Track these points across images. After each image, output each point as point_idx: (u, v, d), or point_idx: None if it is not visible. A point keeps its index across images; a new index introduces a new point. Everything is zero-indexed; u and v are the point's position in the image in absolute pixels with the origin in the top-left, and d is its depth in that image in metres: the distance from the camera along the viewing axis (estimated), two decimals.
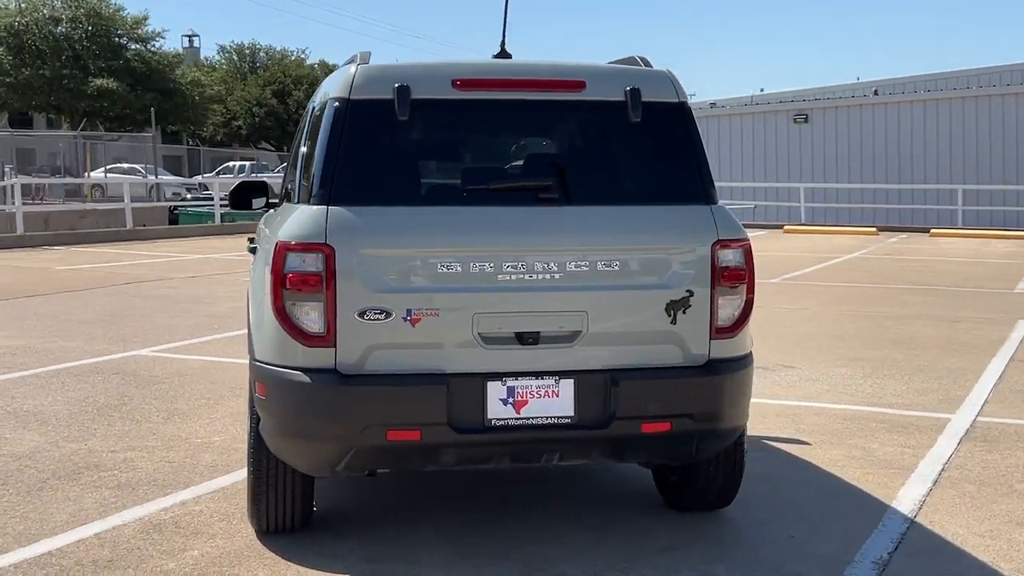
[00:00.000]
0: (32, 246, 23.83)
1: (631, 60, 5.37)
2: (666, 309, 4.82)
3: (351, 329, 4.61)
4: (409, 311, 4.62)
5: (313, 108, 5.53)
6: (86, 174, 41.85)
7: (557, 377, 4.75)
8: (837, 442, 7.08)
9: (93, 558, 5.02)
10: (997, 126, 32.65)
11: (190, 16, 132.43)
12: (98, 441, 7.07)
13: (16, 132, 46.77)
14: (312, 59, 75.18)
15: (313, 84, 60.99)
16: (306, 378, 4.63)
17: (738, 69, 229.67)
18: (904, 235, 29.34)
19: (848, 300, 14.77)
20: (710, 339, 4.90)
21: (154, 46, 56.96)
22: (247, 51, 72.21)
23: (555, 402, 4.75)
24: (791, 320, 12.73)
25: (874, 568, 4.93)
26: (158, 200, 37.55)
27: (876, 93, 37.11)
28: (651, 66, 5.27)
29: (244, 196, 6.42)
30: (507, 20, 5.68)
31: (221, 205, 30.98)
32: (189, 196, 40.98)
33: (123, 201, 29.20)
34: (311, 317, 4.63)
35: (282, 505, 5.14)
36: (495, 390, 4.70)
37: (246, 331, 5.65)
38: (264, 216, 6.35)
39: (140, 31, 55.85)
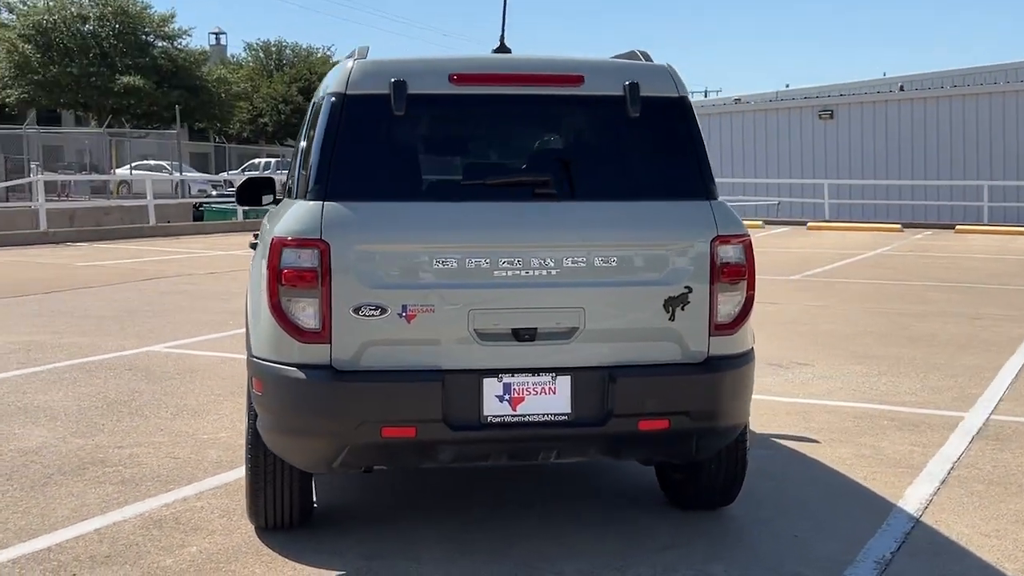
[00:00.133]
0: (56, 242, 23.95)
1: (631, 54, 5.32)
2: (664, 306, 4.77)
3: (346, 325, 4.59)
4: (404, 307, 4.60)
5: (314, 104, 5.51)
6: (112, 171, 42.08)
7: (554, 374, 4.71)
8: (847, 440, 7.01)
9: (91, 554, 5.02)
10: None
11: (217, 14, 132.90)
12: (105, 437, 7.09)
13: (43, 129, 47.00)
14: (338, 56, 75.34)
15: None
16: (301, 374, 4.61)
17: (764, 65, 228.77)
18: (929, 232, 29.11)
19: (869, 297, 14.66)
20: (709, 336, 4.85)
21: (181, 44, 57.21)
22: (273, 48, 72.29)
23: (552, 399, 4.71)
24: (809, 317, 12.64)
25: (875, 568, 4.87)
26: (183, 197, 37.69)
27: (902, 89, 36.81)
28: (651, 60, 5.22)
29: (251, 192, 6.42)
30: (506, 15, 5.65)
31: None
32: (215, 193, 41.11)
33: (149, 198, 29.31)
34: (306, 313, 4.61)
35: (280, 502, 5.12)
36: (491, 387, 4.67)
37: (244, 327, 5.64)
38: (268, 212, 6.34)
39: (167, 29, 56.10)
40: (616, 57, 5.46)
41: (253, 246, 6.13)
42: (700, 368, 4.83)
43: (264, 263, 4.78)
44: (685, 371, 4.81)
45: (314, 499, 5.59)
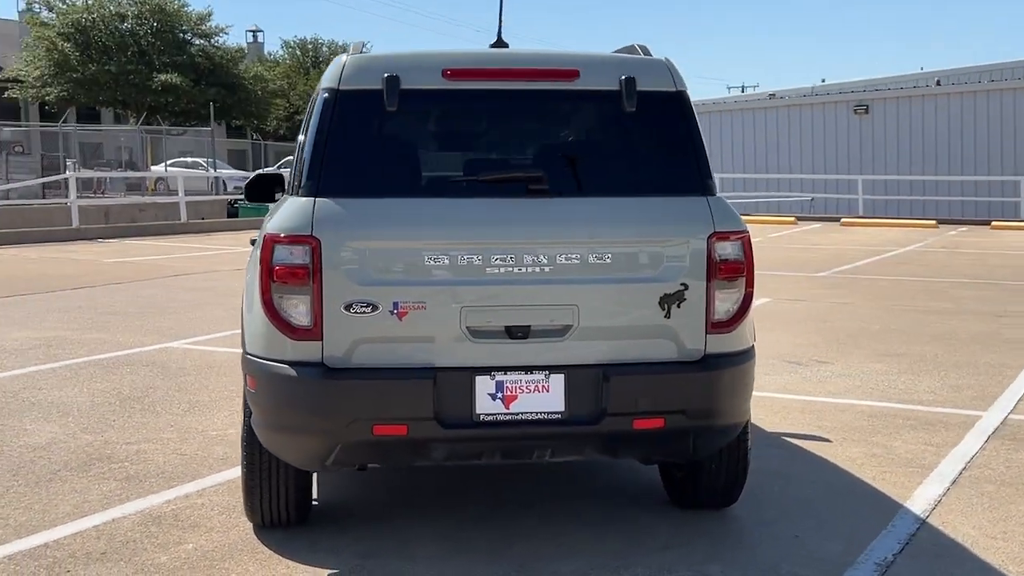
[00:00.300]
0: (87, 239, 24.16)
1: (631, 49, 5.27)
2: (660, 303, 4.71)
3: (337, 322, 4.56)
4: (396, 304, 4.57)
5: (312, 100, 5.49)
6: (148, 168, 42.35)
7: (547, 372, 4.66)
8: (859, 439, 6.92)
9: (87, 550, 5.02)
10: None
11: (254, 11, 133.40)
12: (115, 433, 7.11)
13: (78, 127, 47.39)
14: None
15: None
16: (292, 371, 4.59)
17: (801, 60, 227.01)
18: (964, 228, 28.79)
19: (896, 294, 14.49)
20: (706, 334, 4.78)
21: (217, 41, 57.57)
22: (310, 46, 72.56)
23: (545, 397, 4.67)
24: (833, 315, 12.51)
25: (876, 570, 4.79)
26: (218, 194, 37.87)
27: (939, 83, 36.36)
28: (650, 55, 5.16)
29: (261, 188, 6.40)
30: (502, 10, 5.59)
31: None
32: None
33: (187, 194, 29.49)
34: (298, 310, 4.59)
35: (276, 499, 5.11)
36: (484, 385, 4.63)
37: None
38: (269, 209, 6.33)
39: (204, 27, 56.46)
40: (617, 51, 5.41)
41: (253, 242, 6.11)
42: (696, 366, 4.76)
43: (257, 260, 4.76)
44: (681, 369, 4.75)
45: (314, 497, 5.58)
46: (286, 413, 4.67)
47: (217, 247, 22.80)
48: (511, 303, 4.63)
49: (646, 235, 4.75)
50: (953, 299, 13.98)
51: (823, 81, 52.17)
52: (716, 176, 33.47)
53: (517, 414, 4.65)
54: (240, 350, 5.06)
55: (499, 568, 4.82)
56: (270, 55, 73.07)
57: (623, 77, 4.85)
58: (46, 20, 54.02)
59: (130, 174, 37.37)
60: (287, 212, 4.68)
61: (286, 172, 5.85)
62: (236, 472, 6.18)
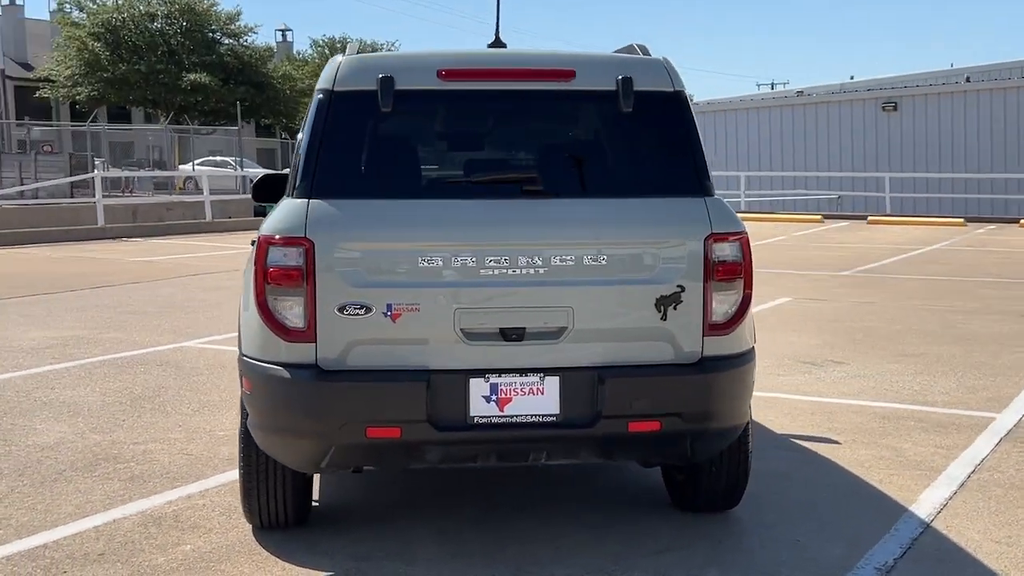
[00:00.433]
0: (112, 238, 24.32)
1: (630, 48, 5.23)
2: (656, 305, 4.67)
3: (331, 324, 4.55)
4: (389, 306, 4.55)
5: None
6: (176, 167, 42.59)
7: (542, 374, 4.63)
8: (869, 441, 6.85)
9: (85, 551, 5.03)
10: None
11: (283, 11, 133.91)
12: (123, 433, 7.13)
13: (107, 126, 47.73)
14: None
15: None
16: (286, 374, 4.59)
17: (831, 57, 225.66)
18: (992, 226, 28.49)
19: (918, 293, 14.36)
20: (703, 336, 4.73)
21: (247, 41, 57.86)
22: (338, 45, 72.69)
23: (540, 400, 4.64)
24: (853, 314, 12.40)
25: (876, 574, 4.74)
26: (246, 193, 37.99)
27: (968, 80, 36.07)
28: (649, 54, 5.12)
29: (268, 189, 6.41)
30: (500, 10, 5.57)
31: None
32: None
33: (215, 194, 29.61)
34: (292, 312, 4.58)
35: (274, 501, 5.10)
36: (478, 387, 4.60)
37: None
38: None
39: (233, 26, 56.78)
40: (617, 52, 5.37)
41: (254, 243, 6.11)
42: (693, 369, 4.72)
43: (252, 262, 4.76)
44: (677, 372, 4.71)
45: (315, 498, 5.58)
46: (280, 415, 4.67)
47: (241, 246, 22.82)
48: (505, 305, 4.60)
49: (642, 236, 4.71)
50: (978, 298, 13.85)
51: (852, 78, 51.81)
52: (742, 174, 33.45)
53: (511, 417, 4.62)
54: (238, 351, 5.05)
55: (495, 571, 4.79)
56: (299, 54, 73.24)
57: (620, 77, 4.81)
58: (77, 20, 54.46)
59: (157, 173, 37.57)
60: (281, 214, 4.68)
61: None
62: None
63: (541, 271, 4.60)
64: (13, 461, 6.48)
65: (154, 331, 11.27)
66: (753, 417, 7.21)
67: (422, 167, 5.04)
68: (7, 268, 17.90)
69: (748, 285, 4.83)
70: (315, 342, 4.57)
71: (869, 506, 5.64)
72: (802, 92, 42.69)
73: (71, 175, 30.17)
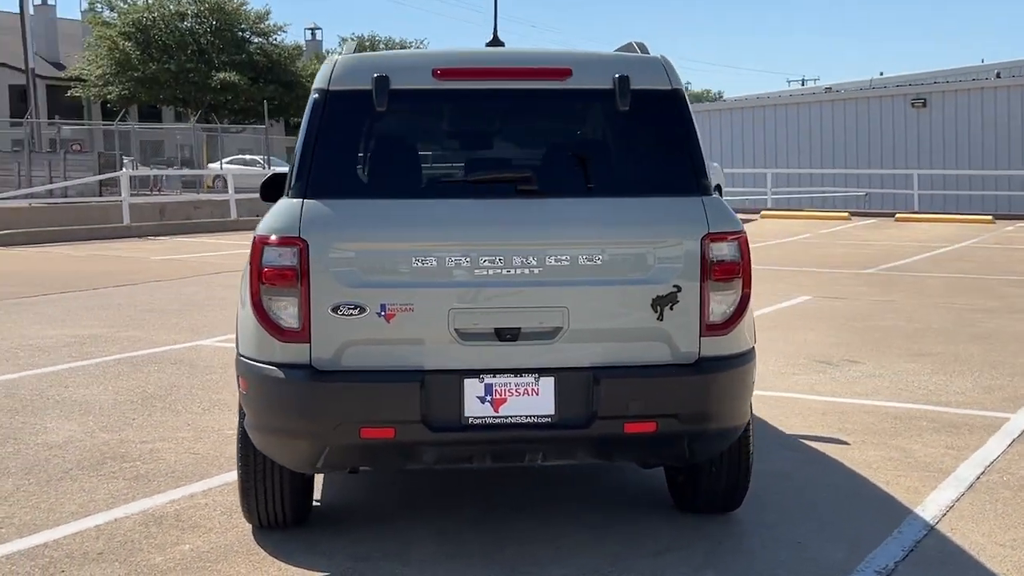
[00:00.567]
0: (138, 236, 24.44)
1: (629, 47, 5.20)
2: (652, 305, 4.63)
3: (325, 325, 4.54)
4: (383, 306, 4.54)
5: None
6: (205, 165, 42.82)
7: (537, 375, 4.61)
8: (879, 442, 6.78)
9: (85, 550, 5.05)
10: None
11: (313, 9, 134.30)
12: (132, 431, 7.16)
13: (138, 125, 48.05)
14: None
15: None
16: (281, 374, 4.58)
17: (861, 54, 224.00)
18: (1021, 223, 28.16)
19: (940, 291, 14.23)
20: (700, 336, 4.69)
21: (276, 40, 58.15)
22: (367, 43, 73.03)
23: (535, 400, 4.61)
24: (873, 313, 12.30)
25: None
26: None
27: (999, 76, 35.72)
28: (648, 52, 5.08)
29: (275, 188, 6.39)
30: (498, 9, 5.54)
31: None
32: None
33: (243, 192, 29.70)
34: (287, 312, 4.58)
35: (272, 501, 5.09)
36: (472, 388, 4.59)
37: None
38: None
39: (262, 25, 57.09)
40: (618, 50, 5.34)
41: None
42: (690, 369, 4.68)
43: (249, 262, 4.77)
44: (673, 372, 4.67)
45: (316, 498, 5.58)
46: (275, 416, 4.67)
47: None
48: (500, 305, 4.58)
49: (637, 236, 4.68)
50: (1000, 297, 13.71)
51: (881, 74, 51.45)
52: (769, 171, 33.26)
53: (506, 417, 4.60)
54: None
55: (491, 571, 4.78)
56: (328, 53, 73.46)
57: (616, 75, 4.78)
58: (108, 20, 54.90)
59: (185, 172, 37.75)
60: (276, 213, 4.69)
61: None
62: None
63: (536, 271, 4.57)
64: (21, 460, 6.51)
65: (172, 329, 11.31)
66: (763, 417, 7.26)
67: (417, 167, 5.02)
68: (30, 267, 18.03)
69: (747, 285, 4.78)
70: (309, 342, 4.56)
71: (873, 507, 5.59)
72: (830, 89, 42.44)
73: (99, 174, 30.33)
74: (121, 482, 6.06)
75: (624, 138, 4.91)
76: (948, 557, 4.93)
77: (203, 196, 33.47)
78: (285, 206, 4.66)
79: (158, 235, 24.91)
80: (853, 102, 35.99)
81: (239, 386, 4.90)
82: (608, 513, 5.47)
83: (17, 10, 40.24)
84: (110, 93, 53.95)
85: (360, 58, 4.86)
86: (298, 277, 4.52)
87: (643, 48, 5.12)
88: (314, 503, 5.51)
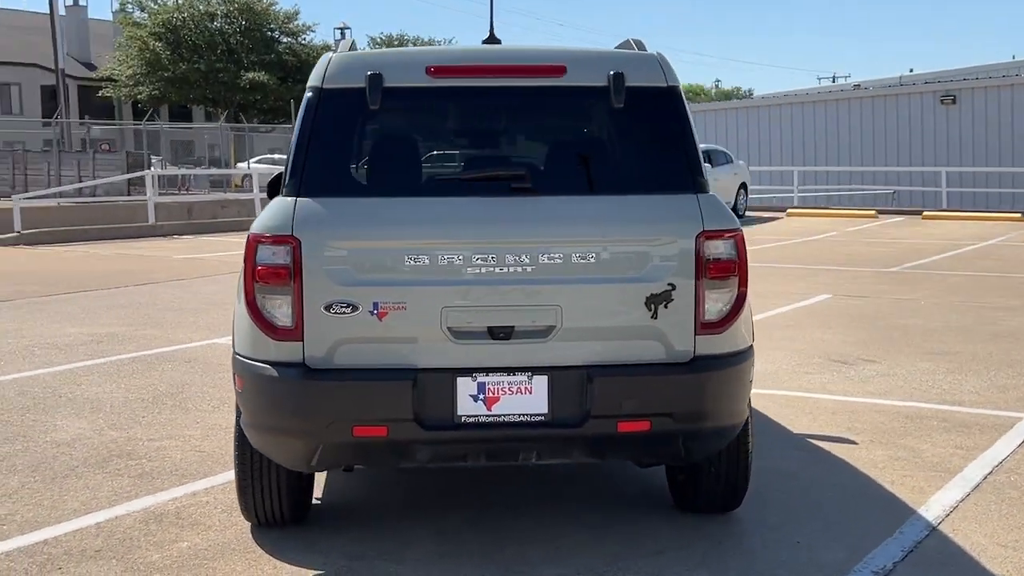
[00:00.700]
0: (163, 235, 24.57)
1: (627, 44, 5.17)
2: (646, 303, 4.60)
3: (318, 323, 4.54)
4: (376, 304, 4.53)
5: None
6: (235, 165, 43.02)
7: (530, 373, 4.59)
8: (887, 442, 6.72)
9: (83, 548, 5.07)
10: None
11: (342, 9, 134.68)
12: (141, 429, 7.19)
13: (167, 125, 48.36)
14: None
15: None
16: (274, 372, 4.59)
17: (892, 50, 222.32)
18: None
19: (963, 290, 14.10)
20: (695, 335, 4.66)
21: (305, 39, 58.36)
22: (396, 42, 73.12)
23: (528, 399, 4.59)
24: (894, 312, 12.20)
25: None
26: None
27: None
28: (644, 49, 5.05)
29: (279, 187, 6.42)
30: (494, 6, 5.53)
31: None
32: None
33: (255, 191, 29.81)
34: (281, 310, 4.59)
35: (269, 499, 5.10)
36: (465, 386, 4.57)
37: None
38: None
39: (291, 25, 57.34)
40: (617, 48, 5.31)
41: None
42: (684, 368, 4.65)
43: (243, 260, 4.78)
44: (668, 371, 4.64)
45: (318, 496, 5.59)
46: (269, 414, 4.67)
47: None
48: (493, 303, 4.56)
49: (631, 234, 4.65)
50: (1023, 295, 13.57)
51: (911, 71, 51.06)
52: (795, 169, 33.07)
53: (499, 416, 4.58)
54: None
55: (486, 571, 4.76)
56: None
57: (611, 72, 4.75)
58: (138, 20, 55.24)
59: (212, 171, 37.92)
60: (270, 212, 4.69)
61: None
62: None
63: (529, 269, 4.55)
64: (29, 457, 6.55)
65: (190, 328, 11.36)
66: (772, 416, 7.22)
67: (410, 165, 5.00)
68: (52, 266, 18.15)
69: (743, 283, 4.74)
70: (302, 340, 4.56)
71: (876, 508, 5.54)
72: (859, 85, 42.15)
73: (128, 173, 30.52)
74: (125, 479, 6.09)
75: (619, 135, 4.89)
76: (948, 558, 4.88)
77: (230, 195, 33.58)
78: (279, 205, 4.66)
79: (183, 234, 25.03)
80: (881, 99, 35.74)
81: (235, 384, 4.91)
82: (608, 513, 5.45)
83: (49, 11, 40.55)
84: (140, 93, 54.36)
85: (354, 56, 4.86)
86: (291, 275, 4.52)
87: (640, 45, 5.09)
88: (315, 501, 5.53)
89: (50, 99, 51.94)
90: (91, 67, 60.75)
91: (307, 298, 4.53)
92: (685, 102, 4.86)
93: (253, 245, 4.61)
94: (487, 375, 4.57)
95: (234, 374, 4.93)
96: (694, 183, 4.73)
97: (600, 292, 4.60)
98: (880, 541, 5.04)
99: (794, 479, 5.96)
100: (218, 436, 6.99)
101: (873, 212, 29.87)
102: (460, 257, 4.53)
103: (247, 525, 5.31)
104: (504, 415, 4.58)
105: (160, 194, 29.06)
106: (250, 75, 52.79)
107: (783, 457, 6.33)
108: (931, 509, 5.48)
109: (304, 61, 55.76)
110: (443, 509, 5.55)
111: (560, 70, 4.79)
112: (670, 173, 4.74)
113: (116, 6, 59.43)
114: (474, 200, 4.65)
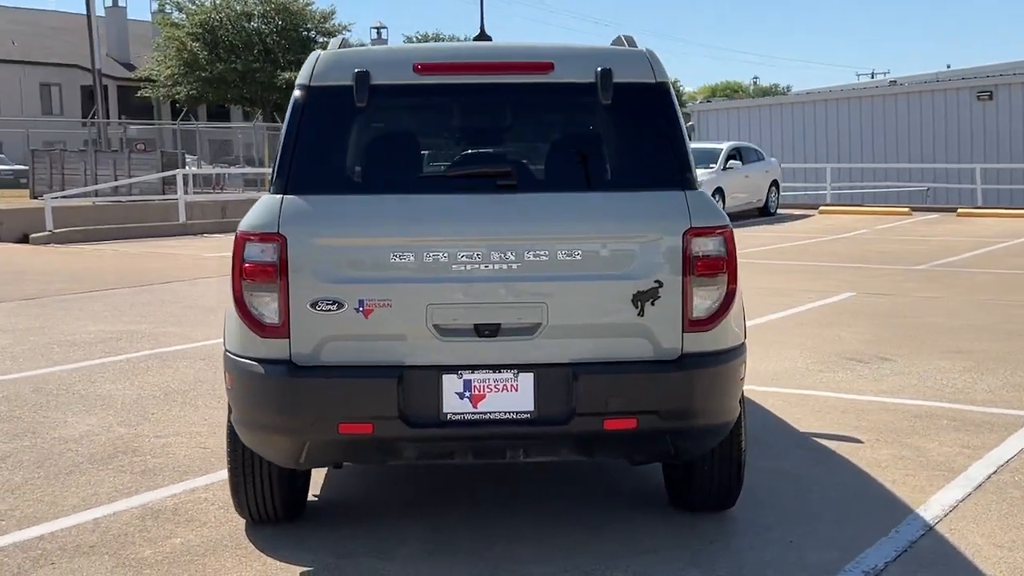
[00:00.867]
0: (194, 234, 24.75)
1: (618, 41, 5.15)
2: (632, 301, 4.58)
3: (304, 320, 4.56)
4: (361, 302, 4.54)
5: None
6: (268, 164, 43.26)
7: (516, 371, 4.58)
8: (892, 441, 6.65)
9: (77, 543, 5.11)
10: None
11: (378, 9, 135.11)
12: (149, 426, 7.24)
13: (203, 125, 48.68)
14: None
15: None
16: (261, 369, 4.60)
17: (931, 46, 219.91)
18: None
19: (990, 288, 13.94)
20: (683, 332, 4.63)
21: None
22: (431, 41, 73.35)
23: (514, 396, 4.59)
24: (917, 310, 12.07)
25: None
26: None
27: None
28: (635, 46, 5.02)
29: None
30: (484, 4, 5.51)
31: None
32: None
33: None
34: (268, 308, 4.60)
35: (262, 496, 5.12)
36: (451, 383, 4.57)
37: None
38: None
39: (328, 24, 57.53)
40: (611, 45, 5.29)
41: None
42: (671, 366, 4.62)
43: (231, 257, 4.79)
44: (654, 368, 4.61)
45: (315, 493, 5.61)
46: (257, 411, 4.69)
47: None
48: (479, 300, 4.56)
49: (618, 231, 4.63)
50: None
51: (948, 67, 50.57)
52: (828, 166, 32.81)
53: (485, 413, 4.58)
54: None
55: (474, 569, 4.76)
56: None
57: (599, 69, 4.73)
58: (176, 21, 55.62)
59: (247, 170, 38.11)
60: (257, 209, 4.71)
61: None
62: None
63: (515, 266, 4.54)
64: (36, 453, 6.62)
65: (211, 326, 11.39)
66: (779, 415, 7.18)
67: (397, 162, 4.99)
68: (80, 264, 18.30)
69: (732, 280, 4.70)
70: (289, 338, 4.58)
71: (875, 507, 5.48)
72: (895, 82, 41.78)
73: (162, 172, 30.76)
74: (127, 476, 6.14)
75: (607, 132, 4.87)
76: (941, 558, 4.82)
77: (262, 194, 33.73)
78: (266, 202, 4.68)
79: (214, 232, 25.16)
80: (917, 95, 35.40)
81: (225, 381, 4.93)
82: (601, 511, 5.43)
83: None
84: (179, 93, 54.74)
85: (341, 53, 4.87)
86: (278, 272, 4.54)
87: (631, 41, 5.07)
88: (312, 498, 5.55)
89: (90, 99, 52.36)
90: (130, 68, 61.22)
91: (293, 295, 4.54)
92: (674, 98, 4.84)
93: (240, 242, 4.63)
94: (473, 372, 4.57)
95: (225, 371, 4.95)
96: (682, 180, 4.70)
97: (586, 289, 4.58)
98: (874, 541, 4.99)
99: (793, 478, 5.92)
100: (224, 433, 6.94)
101: (907, 209, 29.58)
102: (445, 254, 4.53)
103: (242, 522, 5.34)
104: (490, 413, 4.58)
105: (195, 193, 29.23)
106: (286, 75, 52.95)
107: (785, 456, 6.28)
108: (930, 509, 5.42)
109: None
110: (437, 506, 5.55)
111: (547, 67, 4.78)
112: (658, 169, 4.72)
113: (155, 7, 59.93)
114: (460, 197, 4.64)
